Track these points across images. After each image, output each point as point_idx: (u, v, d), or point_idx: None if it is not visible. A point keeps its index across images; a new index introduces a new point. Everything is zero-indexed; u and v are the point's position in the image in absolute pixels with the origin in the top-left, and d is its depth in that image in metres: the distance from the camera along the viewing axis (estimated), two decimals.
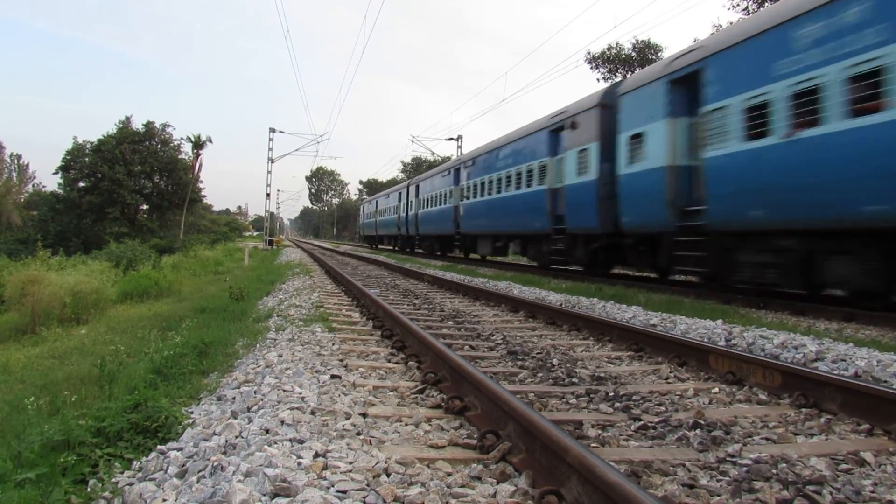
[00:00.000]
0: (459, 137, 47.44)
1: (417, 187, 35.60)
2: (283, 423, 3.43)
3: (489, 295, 10.92)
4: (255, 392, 4.23)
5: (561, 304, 9.84)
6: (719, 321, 7.61)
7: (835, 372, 4.92)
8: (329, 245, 65.67)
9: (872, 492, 2.83)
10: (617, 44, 36.43)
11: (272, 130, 49.46)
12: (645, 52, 35.87)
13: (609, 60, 36.76)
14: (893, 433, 3.55)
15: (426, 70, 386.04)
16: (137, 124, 55.96)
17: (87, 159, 51.76)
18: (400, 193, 40.65)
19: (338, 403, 3.86)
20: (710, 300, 11.03)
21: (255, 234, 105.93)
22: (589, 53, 37.05)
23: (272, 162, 49.46)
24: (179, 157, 57.73)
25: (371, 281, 14.93)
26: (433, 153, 62.50)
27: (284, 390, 4.15)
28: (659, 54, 35.33)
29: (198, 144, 59.15)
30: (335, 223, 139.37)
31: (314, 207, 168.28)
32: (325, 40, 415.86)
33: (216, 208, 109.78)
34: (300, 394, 4.05)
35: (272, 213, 76.52)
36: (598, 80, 37.03)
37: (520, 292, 11.96)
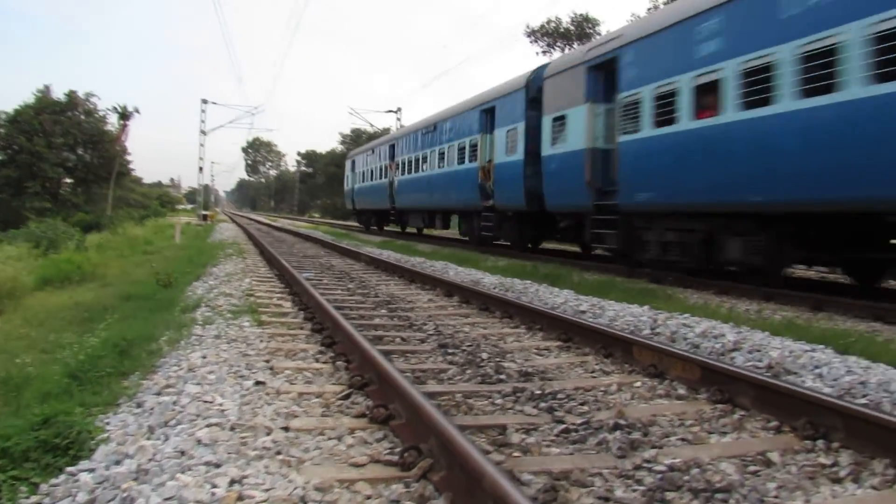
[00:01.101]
0: (399, 109, 47.14)
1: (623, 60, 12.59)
2: (199, 442, 3.31)
3: (424, 278, 10.90)
4: (174, 403, 4.08)
5: (495, 288, 9.91)
6: (646, 307, 7.81)
7: (749, 364, 5.12)
8: (266, 220, 64.21)
9: (776, 496, 2.95)
10: (556, 17, 36.47)
11: (204, 102, 47.72)
12: (583, 26, 36.05)
13: (548, 34, 36.83)
14: (799, 429, 3.71)
15: (367, 41, 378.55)
16: (59, 94, 52.97)
17: (1, 131, 48.75)
18: (483, 114, 19.34)
19: (259, 416, 3.76)
20: (640, 279, 11.35)
21: (189, 207, 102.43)
22: (528, 27, 37.05)
23: (205, 135, 47.79)
24: (105, 128, 55.04)
25: (306, 262, 14.68)
26: (372, 125, 61.70)
27: (205, 401, 4.02)
28: (596, 28, 35.56)
29: (124, 115, 56.42)
30: (273, 195, 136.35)
31: (251, 179, 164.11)
32: (259, 6, 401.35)
33: (147, 181, 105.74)
34: (220, 405, 3.94)
35: (207, 186, 74.13)
36: (537, 53, 37.09)
37: (455, 274, 11.99)
